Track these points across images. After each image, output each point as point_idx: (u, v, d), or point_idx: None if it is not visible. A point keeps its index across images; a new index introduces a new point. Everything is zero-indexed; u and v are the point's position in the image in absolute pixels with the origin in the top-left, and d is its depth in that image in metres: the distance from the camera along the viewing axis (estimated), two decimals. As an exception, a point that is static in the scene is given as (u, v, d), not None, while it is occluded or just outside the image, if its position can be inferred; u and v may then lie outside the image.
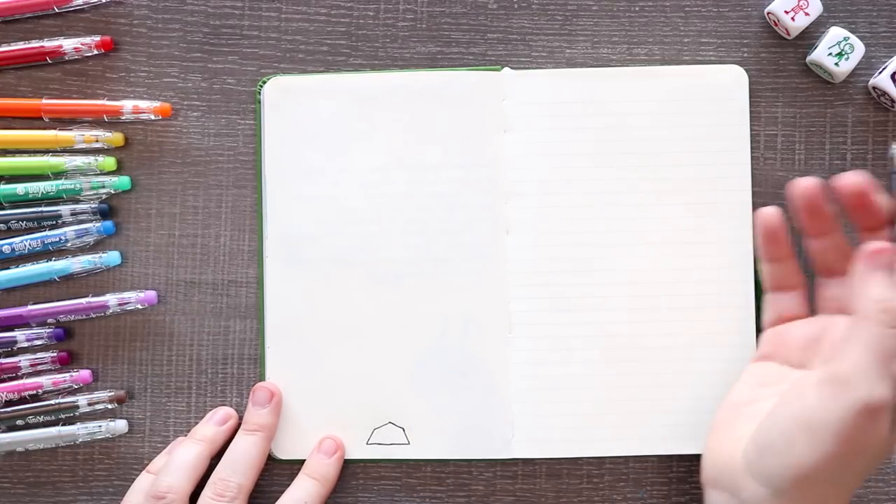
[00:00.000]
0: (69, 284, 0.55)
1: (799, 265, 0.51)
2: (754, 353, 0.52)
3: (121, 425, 0.55)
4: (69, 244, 0.55)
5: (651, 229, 0.54)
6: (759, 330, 0.54)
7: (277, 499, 0.53)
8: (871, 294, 0.41)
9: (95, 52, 0.55)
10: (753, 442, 0.44)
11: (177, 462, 0.52)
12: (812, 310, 0.51)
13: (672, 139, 0.54)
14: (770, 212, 0.51)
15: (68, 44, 0.55)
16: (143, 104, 0.55)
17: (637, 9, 0.56)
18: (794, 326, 0.50)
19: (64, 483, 0.55)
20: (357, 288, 0.54)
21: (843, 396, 0.40)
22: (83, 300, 0.55)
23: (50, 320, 0.55)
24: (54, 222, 0.55)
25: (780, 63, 0.55)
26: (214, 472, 0.52)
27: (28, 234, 0.55)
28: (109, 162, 0.55)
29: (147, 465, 0.54)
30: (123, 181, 0.55)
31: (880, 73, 0.54)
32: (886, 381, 0.39)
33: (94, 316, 0.55)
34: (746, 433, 0.45)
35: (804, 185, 0.48)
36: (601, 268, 0.54)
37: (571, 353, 0.54)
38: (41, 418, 0.54)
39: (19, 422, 0.54)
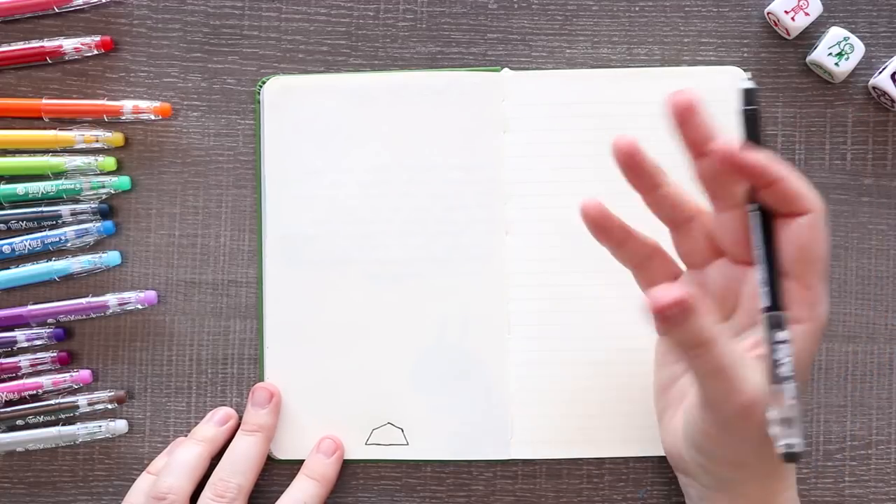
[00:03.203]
0: (69, 284, 0.55)
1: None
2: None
3: (121, 425, 0.55)
4: (69, 244, 0.55)
5: (651, 229, 0.54)
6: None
7: (277, 499, 0.53)
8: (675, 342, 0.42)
9: (95, 52, 0.55)
10: (686, 442, 0.47)
11: (177, 462, 0.52)
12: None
13: (671, 140, 0.54)
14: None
15: (68, 44, 0.55)
16: (143, 104, 0.55)
17: (637, 9, 0.55)
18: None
19: (64, 483, 0.55)
20: (356, 288, 0.54)
21: (723, 412, 0.43)
22: (83, 300, 0.55)
23: (50, 320, 0.55)
24: (54, 222, 0.55)
25: (780, 63, 0.55)
26: (214, 473, 0.52)
27: (28, 234, 0.55)
28: (109, 162, 0.55)
29: (147, 465, 0.54)
30: (123, 181, 0.55)
31: (880, 73, 0.54)
32: (740, 383, 0.41)
33: (94, 316, 0.55)
34: (678, 423, 0.47)
35: (623, 144, 0.45)
36: (601, 268, 0.54)
37: (571, 354, 0.54)
38: (41, 418, 0.54)
39: (19, 422, 0.54)
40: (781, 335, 0.42)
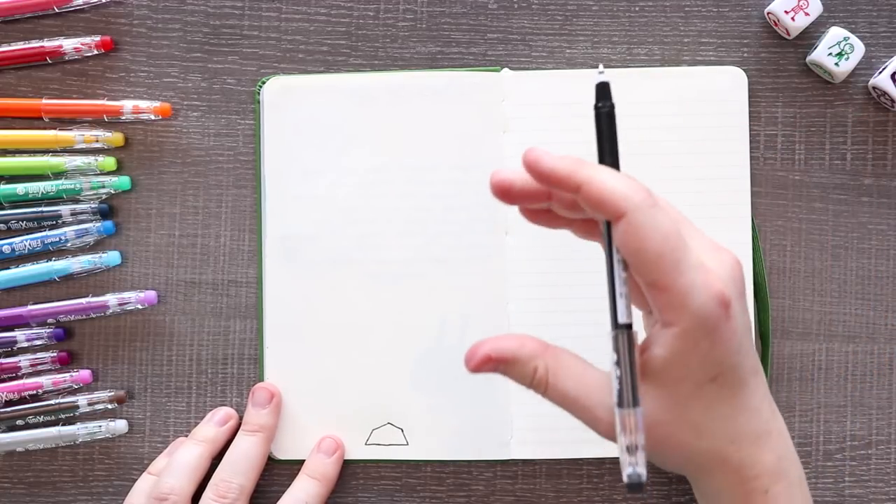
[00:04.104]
0: (69, 284, 0.55)
1: None
2: None
3: (121, 425, 0.55)
4: (69, 244, 0.55)
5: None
6: (759, 331, 0.54)
7: (278, 499, 0.53)
8: None
9: (95, 52, 0.55)
10: None
11: (179, 463, 0.52)
12: None
13: (672, 140, 0.54)
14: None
15: (68, 44, 0.55)
16: (143, 104, 0.55)
17: (637, 9, 0.55)
18: None
19: (64, 483, 0.55)
20: (356, 288, 0.54)
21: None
22: (83, 300, 0.55)
23: (50, 320, 0.55)
24: (54, 222, 0.55)
25: (780, 63, 0.55)
26: (216, 474, 0.52)
27: (28, 234, 0.55)
28: (109, 162, 0.55)
29: (147, 465, 0.54)
30: (123, 181, 0.55)
31: (880, 73, 0.54)
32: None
33: (94, 316, 0.55)
34: None
35: (496, 180, 0.41)
36: (601, 268, 0.54)
37: (571, 354, 0.54)
38: (41, 418, 0.54)
39: (19, 422, 0.54)
40: (613, 357, 0.39)
